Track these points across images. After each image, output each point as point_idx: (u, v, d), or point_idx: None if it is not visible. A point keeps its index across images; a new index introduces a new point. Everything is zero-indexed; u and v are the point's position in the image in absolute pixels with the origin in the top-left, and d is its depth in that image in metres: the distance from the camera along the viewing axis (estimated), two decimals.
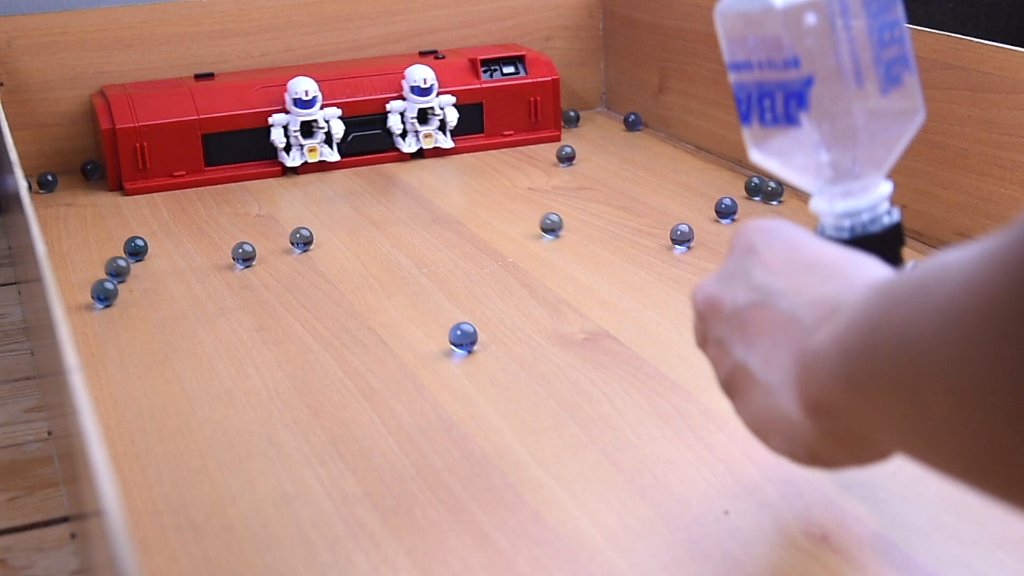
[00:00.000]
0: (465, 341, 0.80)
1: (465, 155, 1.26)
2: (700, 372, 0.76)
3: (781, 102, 0.56)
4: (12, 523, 0.65)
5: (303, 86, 1.19)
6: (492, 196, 1.12)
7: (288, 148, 1.20)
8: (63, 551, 0.62)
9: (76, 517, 0.61)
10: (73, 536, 0.64)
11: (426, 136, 1.24)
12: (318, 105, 1.19)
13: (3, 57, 1.22)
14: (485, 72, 1.27)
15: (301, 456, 0.68)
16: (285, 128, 1.20)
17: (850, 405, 0.44)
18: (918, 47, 0.94)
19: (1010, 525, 0.58)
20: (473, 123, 1.27)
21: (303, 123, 1.20)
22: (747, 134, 0.58)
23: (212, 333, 0.85)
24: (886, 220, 0.58)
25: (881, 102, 0.56)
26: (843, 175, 0.57)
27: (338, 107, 1.21)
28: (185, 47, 1.28)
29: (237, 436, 0.70)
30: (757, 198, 1.08)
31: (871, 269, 0.50)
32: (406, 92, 1.23)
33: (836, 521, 0.58)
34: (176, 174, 1.19)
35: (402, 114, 1.23)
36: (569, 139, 1.30)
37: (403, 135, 1.24)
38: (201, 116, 1.18)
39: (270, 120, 1.19)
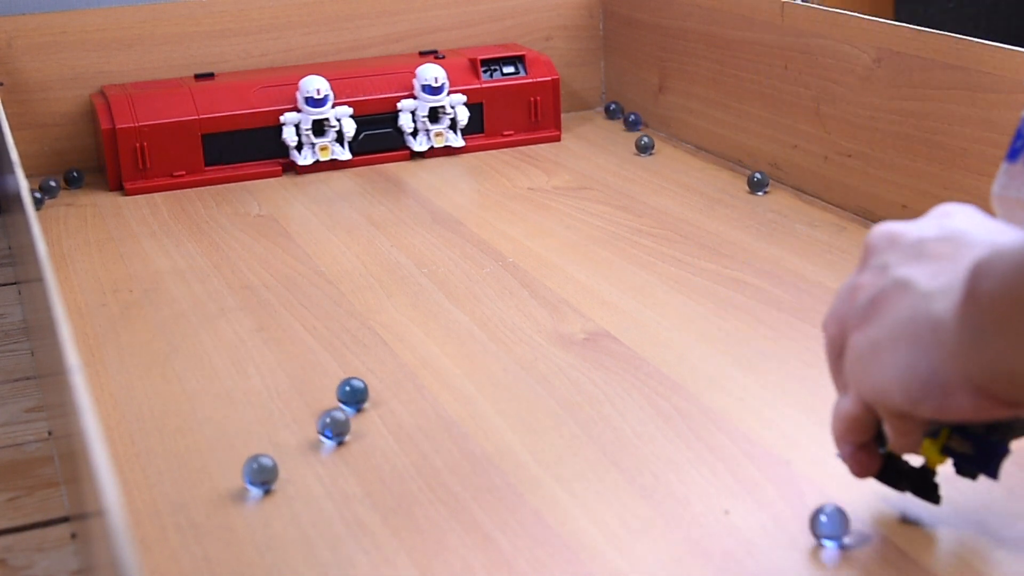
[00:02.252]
0: (352, 400, 0.68)
1: (465, 155, 1.26)
2: (700, 372, 0.76)
3: None
4: (12, 523, 0.65)
5: (315, 85, 1.19)
6: (492, 196, 1.12)
7: (300, 147, 1.21)
8: (63, 551, 0.62)
9: (76, 517, 0.61)
10: (73, 536, 0.64)
11: (437, 135, 1.24)
12: (330, 104, 1.20)
13: (3, 57, 1.22)
14: (485, 72, 1.27)
15: (301, 456, 0.68)
16: (297, 127, 1.20)
17: (1008, 309, 0.44)
18: (918, 47, 0.94)
19: (1010, 525, 0.58)
20: (473, 123, 1.27)
21: (315, 122, 1.20)
22: (1004, 170, 0.55)
23: (212, 333, 0.85)
24: None
25: None
26: None
27: (349, 106, 1.21)
28: (185, 47, 1.28)
29: (237, 436, 0.70)
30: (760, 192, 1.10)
31: None
32: (417, 91, 1.23)
33: None
34: (176, 174, 1.19)
35: (413, 113, 1.24)
36: (570, 140, 1.30)
37: (414, 134, 1.24)
38: (201, 116, 1.18)
39: (281, 119, 1.20)
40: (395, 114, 1.24)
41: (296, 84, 1.21)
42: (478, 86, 1.26)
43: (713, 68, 1.21)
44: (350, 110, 1.21)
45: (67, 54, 1.24)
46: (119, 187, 1.18)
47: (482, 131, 1.28)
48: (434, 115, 1.24)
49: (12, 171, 0.82)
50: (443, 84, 1.23)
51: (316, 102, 1.19)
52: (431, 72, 1.23)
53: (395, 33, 1.34)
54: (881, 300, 0.52)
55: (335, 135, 1.21)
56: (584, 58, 1.41)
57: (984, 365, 0.47)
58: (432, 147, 1.24)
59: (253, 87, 1.21)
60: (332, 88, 1.20)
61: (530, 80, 1.28)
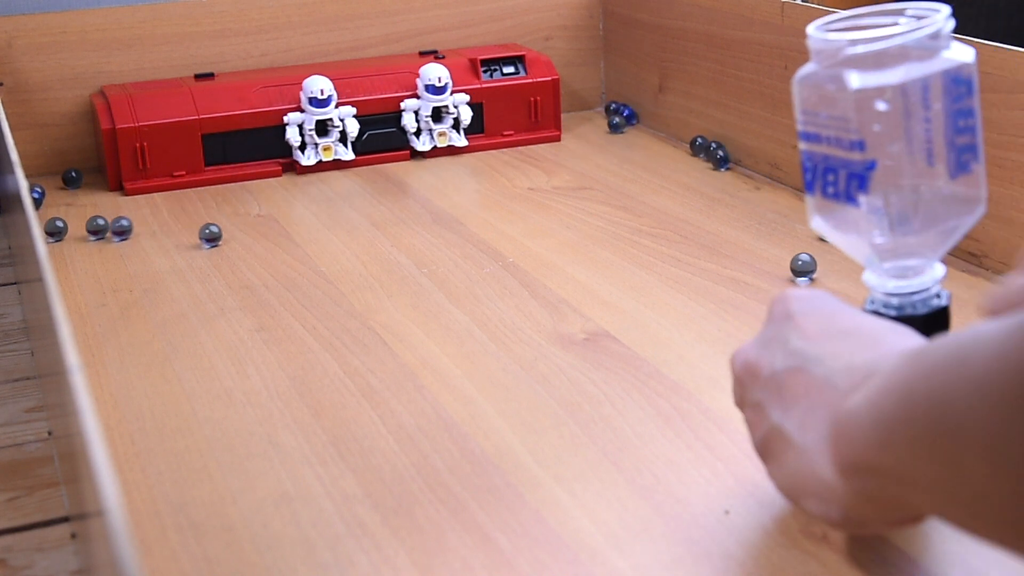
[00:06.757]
0: None
1: (465, 155, 1.26)
2: (700, 372, 0.76)
3: (844, 180, 0.57)
4: (12, 523, 0.65)
5: (319, 85, 1.19)
6: (492, 196, 1.12)
7: (303, 147, 1.21)
8: (63, 551, 0.62)
9: (76, 517, 0.61)
10: (73, 536, 0.64)
11: (440, 134, 1.24)
12: (333, 104, 1.20)
13: (3, 57, 1.22)
14: (485, 72, 1.27)
15: (301, 456, 0.68)
16: (300, 127, 1.20)
17: (885, 467, 0.46)
18: None
19: None
20: (473, 123, 1.27)
21: (318, 122, 1.20)
22: (810, 201, 0.59)
23: (212, 333, 0.85)
24: (934, 303, 0.59)
25: (948, 185, 0.56)
26: (897, 255, 0.59)
27: (353, 106, 1.21)
28: (185, 47, 1.28)
29: (237, 436, 0.70)
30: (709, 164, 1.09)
31: (907, 338, 0.51)
32: (420, 91, 1.23)
33: None
34: (176, 174, 1.19)
35: (416, 112, 1.24)
36: (570, 140, 1.30)
37: (417, 133, 1.24)
38: (201, 116, 1.18)
39: (285, 119, 1.20)
40: (398, 114, 1.24)
41: (296, 84, 1.21)
42: (478, 86, 1.26)
43: (713, 68, 1.21)
44: (353, 110, 1.21)
45: (67, 54, 1.24)
46: (119, 187, 1.18)
47: (482, 131, 1.28)
48: (437, 115, 1.24)
49: (12, 171, 0.82)
50: (446, 84, 1.23)
51: (320, 102, 1.19)
52: (434, 72, 1.23)
53: (395, 33, 1.34)
54: (769, 445, 0.55)
55: (338, 135, 1.21)
56: (584, 58, 1.41)
57: (882, 511, 0.50)
58: (435, 147, 1.24)
59: (253, 87, 1.21)
60: (336, 88, 1.20)
61: (530, 80, 1.28)
